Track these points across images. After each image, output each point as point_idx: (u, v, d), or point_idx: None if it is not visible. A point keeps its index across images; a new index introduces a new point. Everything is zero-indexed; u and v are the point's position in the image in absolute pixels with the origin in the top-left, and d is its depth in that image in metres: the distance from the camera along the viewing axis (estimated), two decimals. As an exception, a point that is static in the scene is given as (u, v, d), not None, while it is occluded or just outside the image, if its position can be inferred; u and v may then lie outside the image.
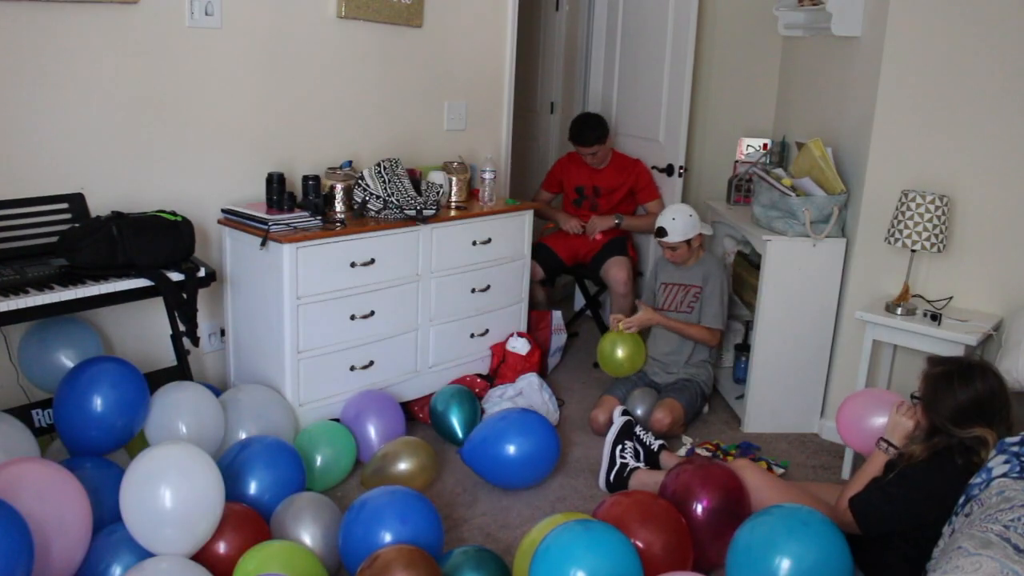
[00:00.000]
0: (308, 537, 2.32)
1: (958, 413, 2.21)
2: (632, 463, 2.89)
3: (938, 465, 2.20)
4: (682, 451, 3.26)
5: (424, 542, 2.23)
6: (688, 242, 3.42)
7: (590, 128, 4.03)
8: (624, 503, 2.37)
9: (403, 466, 2.71)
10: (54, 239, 2.53)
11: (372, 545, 2.21)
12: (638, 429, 3.04)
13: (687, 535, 2.34)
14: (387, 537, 2.22)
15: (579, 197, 4.19)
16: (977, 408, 2.21)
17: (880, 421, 2.59)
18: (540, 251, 4.01)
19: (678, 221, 3.41)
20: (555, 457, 2.92)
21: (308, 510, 2.37)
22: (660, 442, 3.03)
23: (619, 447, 2.93)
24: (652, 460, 2.98)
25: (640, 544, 2.23)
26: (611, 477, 2.90)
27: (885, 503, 2.24)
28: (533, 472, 2.89)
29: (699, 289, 3.49)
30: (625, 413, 3.08)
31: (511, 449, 2.82)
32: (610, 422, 3.32)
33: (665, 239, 3.42)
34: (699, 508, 2.41)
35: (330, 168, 3.15)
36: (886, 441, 2.43)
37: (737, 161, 4.03)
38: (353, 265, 2.98)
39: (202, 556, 2.14)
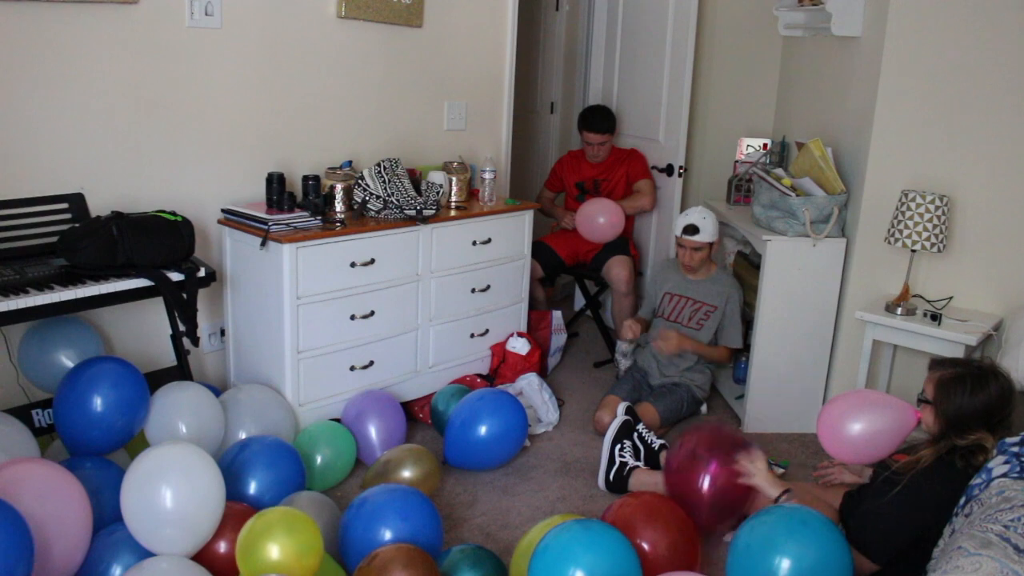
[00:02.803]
0: None
1: (966, 418, 2.19)
2: (631, 462, 2.89)
3: (941, 473, 2.16)
4: (682, 451, 3.26)
5: (424, 540, 2.23)
6: (710, 246, 3.42)
7: (602, 116, 4.09)
8: (633, 504, 2.37)
9: (406, 474, 2.69)
10: (54, 239, 2.53)
11: (372, 543, 2.21)
12: (640, 427, 3.04)
13: (695, 536, 2.35)
14: (387, 535, 2.22)
15: (581, 192, 4.19)
16: (987, 414, 2.18)
17: (857, 427, 2.44)
18: (540, 250, 4.01)
19: (708, 221, 3.38)
20: (524, 426, 3.00)
21: (308, 509, 2.37)
22: (661, 441, 3.03)
23: (618, 446, 2.93)
24: (653, 459, 2.98)
25: (647, 545, 2.24)
26: (610, 476, 2.90)
27: (895, 530, 2.18)
28: (509, 444, 2.98)
29: (712, 308, 3.47)
30: (629, 411, 3.09)
31: (482, 431, 2.91)
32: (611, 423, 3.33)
33: (696, 237, 3.36)
34: (706, 477, 2.39)
35: (330, 168, 3.15)
36: (782, 495, 2.35)
37: (737, 161, 4.03)
38: (353, 265, 2.98)
39: (203, 556, 2.14)
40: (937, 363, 2.35)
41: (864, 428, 2.40)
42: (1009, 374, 2.28)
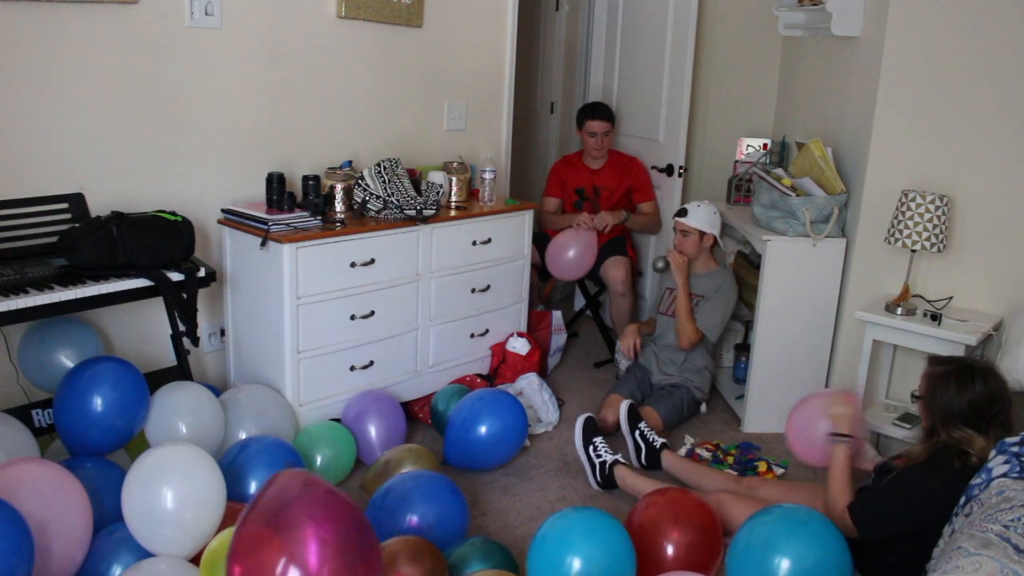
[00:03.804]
0: None
1: (952, 415, 2.22)
2: (608, 457, 2.90)
3: (936, 467, 2.19)
4: (682, 451, 3.25)
5: (450, 524, 2.31)
6: (701, 236, 3.44)
7: (602, 107, 4.10)
8: (660, 503, 2.38)
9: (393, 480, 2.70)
10: (54, 239, 2.53)
11: (399, 530, 2.27)
12: (642, 425, 3.05)
13: (718, 535, 2.36)
14: (413, 520, 2.28)
15: (579, 199, 4.18)
16: (972, 411, 2.20)
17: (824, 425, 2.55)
18: (541, 239, 4.00)
19: (702, 209, 3.45)
20: (524, 425, 3.00)
21: None
22: (663, 440, 3.03)
23: (589, 447, 2.95)
24: (653, 457, 2.99)
25: (672, 544, 2.26)
26: (598, 478, 2.91)
27: (884, 507, 2.24)
28: (509, 443, 2.98)
29: (700, 298, 3.48)
30: (631, 409, 3.11)
31: (482, 431, 2.91)
32: (619, 421, 3.33)
33: (683, 219, 3.44)
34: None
35: (330, 168, 3.15)
36: (836, 434, 2.44)
37: (737, 161, 4.03)
38: (353, 265, 2.98)
39: (202, 556, 2.14)
40: (932, 360, 2.38)
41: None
42: (1003, 376, 2.29)
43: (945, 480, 2.14)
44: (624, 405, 3.12)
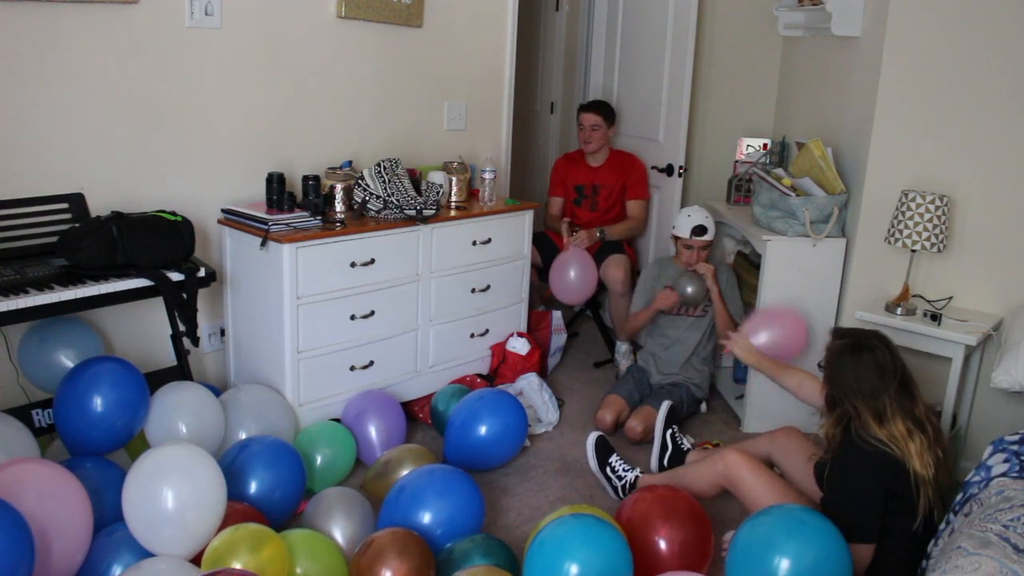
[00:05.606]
0: (339, 532, 2.37)
1: (845, 386, 2.29)
2: (630, 475, 2.84)
3: (856, 454, 2.22)
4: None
5: (467, 516, 2.36)
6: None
7: (599, 102, 4.12)
8: (648, 499, 2.38)
9: (405, 473, 2.70)
10: (54, 239, 2.53)
11: (415, 526, 2.31)
12: (675, 427, 3.05)
13: (709, 530, 2.36)
14: (426, 518, 2.32)
15: (579, 196, 4.18)
16: (863, 382, 2.26)
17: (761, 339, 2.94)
18: (541, 239, 4.00)
19: (711, 219, 3.47)
20: (523, 426, 3.01)
21: (338, 505, 2.42)
22: (690, 445, 3.01)
23: (606, 468, 2.88)
24: (678, 460, 2.97)
25: (663, 541, 2.28)
26: (621, 496, 2.85)
27: (856, 508, 2.22)
28: (510, 443, 2.98)
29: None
30: (672, 409, 3.10)
31: (482, 431, 2.90)
32: (617, 421, 3.32)
33: (704, 237, 3.44)
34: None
35: (330, 168, 3.15)
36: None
37: (737, 161, 4.03)
38: (353, 265, 2.98)
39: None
40: (833, 332, 2.47)
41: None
42: (894, 346, 2.35)
43: (873, 462, 2.17)
44: (665, 405, 3.09)
